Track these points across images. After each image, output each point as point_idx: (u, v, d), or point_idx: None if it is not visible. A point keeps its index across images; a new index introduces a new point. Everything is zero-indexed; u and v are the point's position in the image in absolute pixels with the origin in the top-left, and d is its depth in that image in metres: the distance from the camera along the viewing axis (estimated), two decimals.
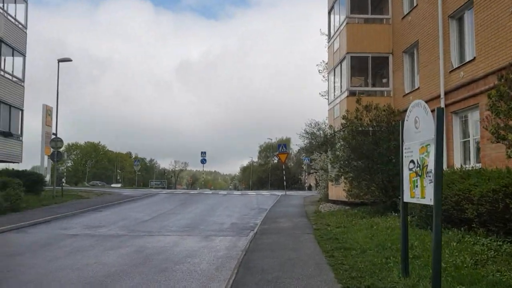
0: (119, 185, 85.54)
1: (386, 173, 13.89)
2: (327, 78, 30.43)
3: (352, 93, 18.68)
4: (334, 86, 21.02)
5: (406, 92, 17.40)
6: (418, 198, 5.96)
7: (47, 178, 59.17)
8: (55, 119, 24.96)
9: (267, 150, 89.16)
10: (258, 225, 13.84)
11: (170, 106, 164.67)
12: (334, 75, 20.84)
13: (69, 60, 26.03)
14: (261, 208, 21.33)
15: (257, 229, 13.08)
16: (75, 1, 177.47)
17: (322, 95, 31.58)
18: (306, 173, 60.83)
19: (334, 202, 20.48)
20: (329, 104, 21.98)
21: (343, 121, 15.30)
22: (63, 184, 75.68)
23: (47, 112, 54.48)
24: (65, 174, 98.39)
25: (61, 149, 25.43)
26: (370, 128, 14.95)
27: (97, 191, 34.21)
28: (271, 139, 76.10)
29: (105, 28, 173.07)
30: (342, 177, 15.30)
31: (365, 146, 14.02)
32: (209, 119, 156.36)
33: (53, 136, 25.23)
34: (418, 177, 5.92)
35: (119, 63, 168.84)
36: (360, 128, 14.76)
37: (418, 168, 5.93)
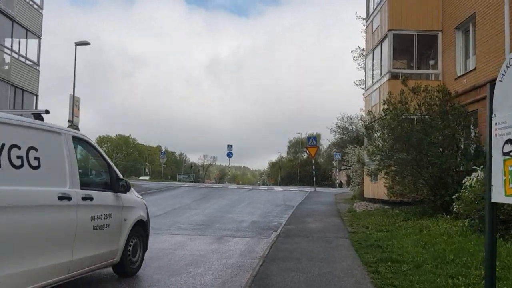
0: (147, 177, 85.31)
1: (438, 167, 11.57)
2: (363, 64, 28.02)
3: (394, 76, 16.33)
4: (373, 70, 18.67)
5: (459, 74, 14.91)
6: None
7: None
8: (71, 105, 23.69)
9: (296, 145, 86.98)
10: (283, 225, 11.82)
11: (201, 102, 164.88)
12: (373, 58, 18.48)
13: (87, 43, 24.72)
14: (288, 205, 19.28)
15: (280, 229, 11.06)
16: (110, 0, 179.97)
17: (356, 84, 29.23)
18: (337, 170, 58.19)
19: (371, 200, 18.20)
20: (365, 91, 19.65)
21: (385, 106, 13.04)
22: None
23: (75, 102, 54.09)
24: None
25: None
26: (415, 116, 12.63)
27: None
28: (301, 134, 73.76)
29: (138, 26, 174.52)
30: (382, 171, 13.04)
31: (414, 135, 11.73)
32: (239, 115, 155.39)
33: (68, 124, 23.94)
34: None
35: (152, 59, 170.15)
36: (403, 115, 12.45)
37: None
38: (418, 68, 17.00)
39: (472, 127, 13.10)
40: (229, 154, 47.25)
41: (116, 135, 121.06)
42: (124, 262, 6.05)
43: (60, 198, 4.57)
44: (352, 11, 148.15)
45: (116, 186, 5.95)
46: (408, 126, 11.99)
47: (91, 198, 5.14)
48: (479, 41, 13.77)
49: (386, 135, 12.16)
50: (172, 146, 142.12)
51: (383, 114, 13.24)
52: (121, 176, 6.17)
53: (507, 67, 4.36)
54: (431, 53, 17.00)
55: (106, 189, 5.81)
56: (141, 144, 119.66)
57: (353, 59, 28.79)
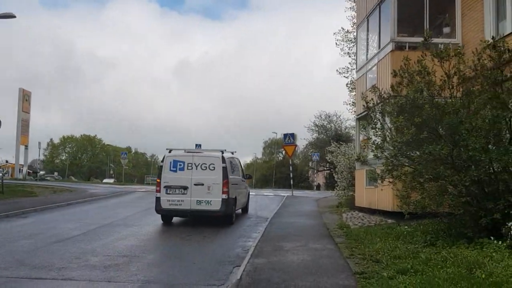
0: (112, 180, 79.43)
1: (483, 168, 7.61)
2: (347, 49, 24.24)
3: (398, 47, 12.39)
4: (367, 44, 14.70)
5: (489, 42, 11.02)
6: None
7: (24, 171, 53.37)
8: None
9: (272, 146, 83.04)
10: (248, 259, 7.57)
11: (173, 105, 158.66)
12: (368, 28, 14.49)
13: (12, 16, 19.92)
14: (260, 216, 15.08)
15: (243, 269, 6.82)
16: (82, 1, 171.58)
17: (340, 73, 25.42)
18: (315, 171, 54.44)
19: (364, 210, 14.21)
20: (357, 72, 15.66)
21: (396, 79, 8.99)
22: (52, 178, 69.95)
23: (24, 97, 48.41)
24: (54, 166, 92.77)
25: None
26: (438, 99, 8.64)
27: (59, 186, 28.01)
28: (276, 134, 69.58)
29: (109, 28, 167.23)
30: (393, 173, 8.97)
31: (444, 119, 7.73)
32: (213, 117, 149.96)
33: None
34: None
35: (123, 62, 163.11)
36: (424, 94, 8.43)
37: None
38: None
39: None
40: None
41: (81, 135, 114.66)
42: (247, 208, 16.02)
43: (242, 180, 14.83)
44: (322, 17, 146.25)
45: (245, 176, 15.89)
46: (434, 107, 7.96)
47: (244, 180, 15.35)
48: None
49: (403, 121, 8.08)
50: (142, 148, 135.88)
51: (389, 96, 9.18)
52: (245, 173, 16.42)
53: None
54: (445, 18, 13.13)
55: (243, 178, 15.48)
56: (108, 144, 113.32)
57: (336, 43, 24.95)
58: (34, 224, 12.23)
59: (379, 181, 9.11)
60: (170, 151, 12.82)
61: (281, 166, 62.10)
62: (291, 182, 28.73)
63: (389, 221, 11.84)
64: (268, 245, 8.88)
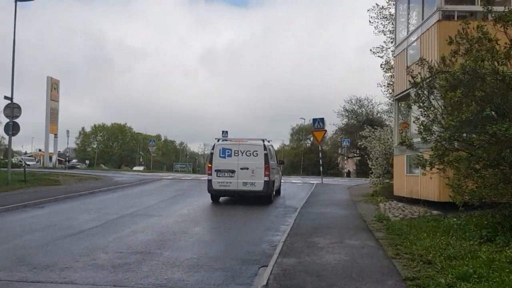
0: (141, 168, 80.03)
1: None
2: (382, 27, 22.65)
3: (446, 17, 10.93)
4: (408, 17, 13.24)
5: None
6: None
7: (53, 159, 53.99)
8: (11, 78, 18.43)
9: (299, 132, 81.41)
10: (276, 258, 6.55)
11: (202, 92, 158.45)
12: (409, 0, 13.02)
13: None
14: (288, 206, 14.07)
15: (270, 271, 5.81)
16: None
17: (373, 52, 23.79)
18: (345, 158, 52.83)
19: (404, 200, 12.95)
20: (396, 48, 14.22)
21: (452, 48, 7.66)
22: (83, 166, 70.88)
23: (53, 85, 48.77)
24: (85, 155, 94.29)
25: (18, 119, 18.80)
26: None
27: (86, 174, 27.73)
28: (304, 120, 67.86)
29: (138, 18, 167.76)
30: (444, 158, 7.71)
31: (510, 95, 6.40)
32: (241, 104, 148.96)
33: (7, 102, 18.61)
34: None
35: (151, 51, 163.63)
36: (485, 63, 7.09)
37: None
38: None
39: None
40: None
41: (112, 123, 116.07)
42: (279, 190, 17.16)
43: (277, 165, 16.77)
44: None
45: (278, 162, 17.46)
46: (499, 80, 6.64)
47: (278, 165, 16.98)
48: None
49: (461, 96, 6.79)
50: (172, 136, 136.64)
51: (442, 66, 7.86)
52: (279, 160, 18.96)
53: None
54: None
55: (277, 164, 17.01)
56: (139, 133, 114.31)
57: (369, 21, 23.29)
58: (50, 215, 11.60)
59: (427, 168, 7.87)
60: (218, 140, 14.94)
61: (309, 153, 60.60)
62: (321, 169, 27.49)
63: (434, 212, 10.56)
64: (298, 241, 7.83)
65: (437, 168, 7.89)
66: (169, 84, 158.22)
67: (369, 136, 18.33)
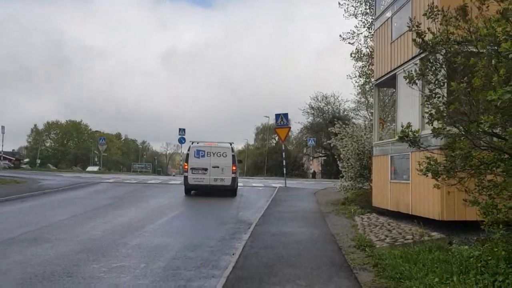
0: (96, 168, 74.92)
1: None
2: (352, 11, 20.08)
3: None
4: None
5: None
6: None
7: None
8: None
9: (264, 131, 78.59)
10: None
11: (166, 92, 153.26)
12: None
13: None
14: (240, 220, 10.97)
15: None
16: None
17: (343, 38, 21.11)
18: (310, 158, 50.35)
19: (383, 212, 10.14)
20: (375, 21, 11.42)
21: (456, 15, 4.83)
22: (27, 167, 65.15)
23: None
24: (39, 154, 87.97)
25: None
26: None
27: (10, 177, 23.46)
28: (268, 118, 65.08)
29: (99, 17, 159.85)
30: (464, 162, 4.89)
31: None
32: (203, 104, 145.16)
33: None
34: None
35: (113, 51, 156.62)
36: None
37: None
38: None
39: None
40: (181, 140, 38.20)
41: (66, 120, 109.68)
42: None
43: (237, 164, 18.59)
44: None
45: (238, 161, 18.47)
46: None
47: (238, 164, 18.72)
48: None
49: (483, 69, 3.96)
50: (135, 135, 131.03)
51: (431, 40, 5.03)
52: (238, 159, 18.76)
53: None
54: None
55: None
56: (96, 131, 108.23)
57: (339, 3, 20.62)
58: None
59: (444, 176, 4.99)
60: (193, 143, 17.26)
61: (273, 153, 57.84)
62: (284, 170, 24.64)
63: (434, 234, 7.72)
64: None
65: (458, 178, 5.02)
66: (130, 84, 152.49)
67: (340, 133, 15.53)
